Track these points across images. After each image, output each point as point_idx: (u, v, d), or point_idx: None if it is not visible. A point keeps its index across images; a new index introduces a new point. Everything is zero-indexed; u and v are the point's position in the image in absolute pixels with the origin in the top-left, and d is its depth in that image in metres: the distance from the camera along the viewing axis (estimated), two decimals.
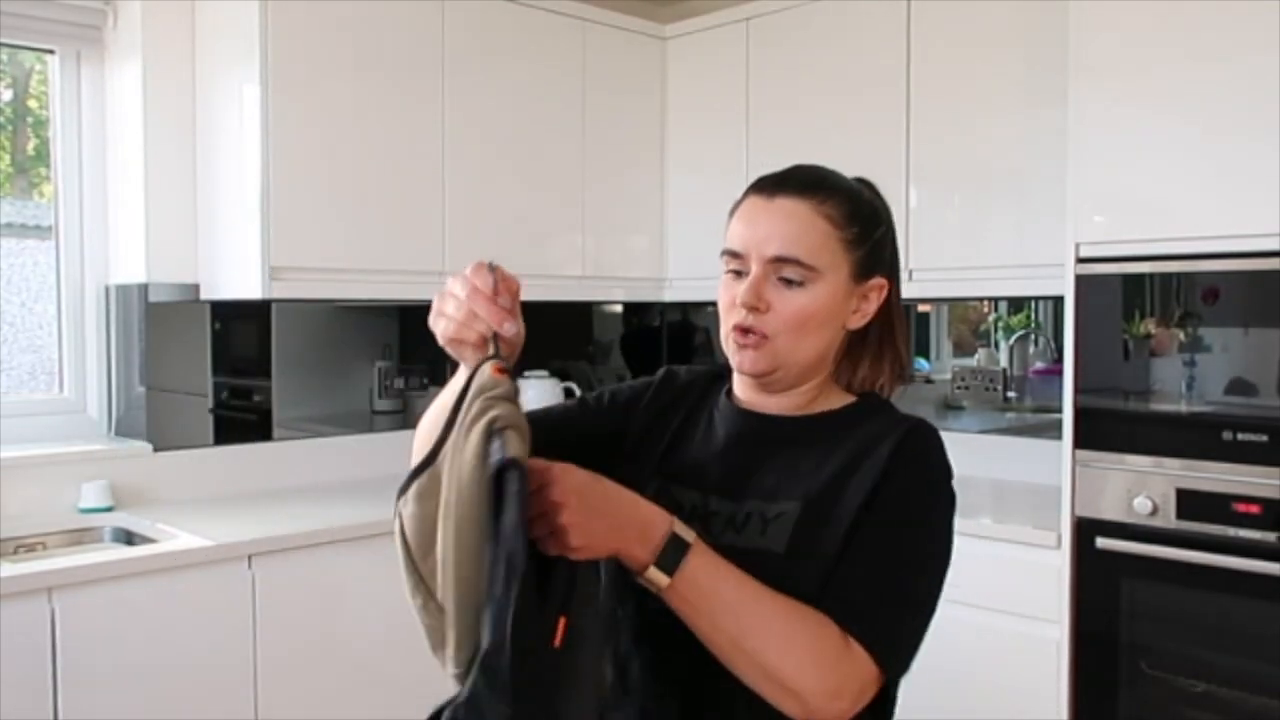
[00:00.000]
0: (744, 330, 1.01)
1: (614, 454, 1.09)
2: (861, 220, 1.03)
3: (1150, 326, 2.16)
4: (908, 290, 2.48)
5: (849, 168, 1.07)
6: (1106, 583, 2.19)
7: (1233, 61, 2.03)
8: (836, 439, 1.03)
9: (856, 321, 1.05)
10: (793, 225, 1.00)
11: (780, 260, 0.99)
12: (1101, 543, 2.18)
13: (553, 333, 3.48)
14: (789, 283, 1.00)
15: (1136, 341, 2.17)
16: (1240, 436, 2.02)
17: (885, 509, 0.96)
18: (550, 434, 1.03)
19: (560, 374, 3.27)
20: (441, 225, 2.81)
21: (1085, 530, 2.21)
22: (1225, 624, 2.09)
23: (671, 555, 0.88)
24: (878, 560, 0.95)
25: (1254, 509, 2.00)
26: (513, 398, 0.82)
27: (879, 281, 1.06)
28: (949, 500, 1.01)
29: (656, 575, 0.87)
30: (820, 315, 1.01)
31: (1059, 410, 2.32)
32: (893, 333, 1.09)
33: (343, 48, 2.60)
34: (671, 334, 3.76)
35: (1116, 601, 2.19)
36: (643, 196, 3.34)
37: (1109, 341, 2.21)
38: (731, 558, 0.92)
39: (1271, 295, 1.99)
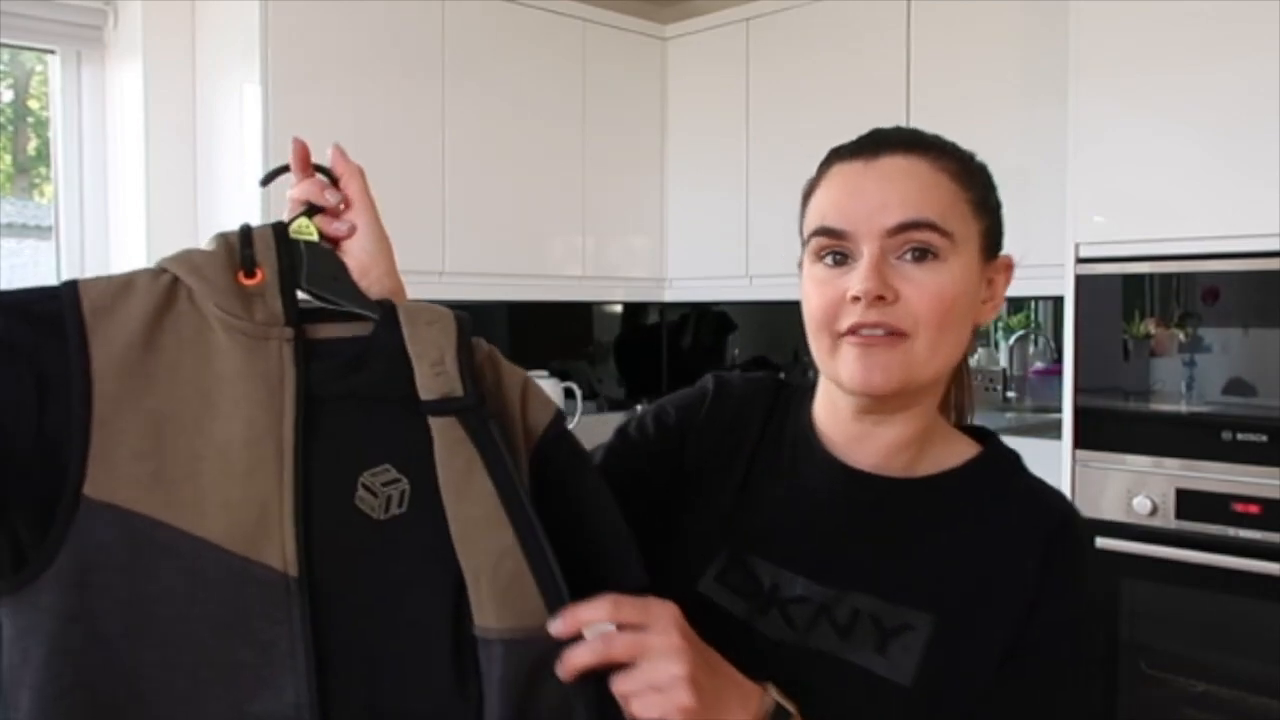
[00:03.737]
0: (871, 327, 0.76)
1: (668, 503, 0.87)
2: (983, 181, 0.82)
3: (1150, 326, 2.16)
4: None
5: None
6: (1106, 583, 2.19)
7: (1233, 62, 2.03)
8: (964, 517, 0.81)
9: (988, 314, 0.82)
10: (915, 184, 0.77)
11: (908, 228, 0.75)
12: (1101, 542, 2.18)
13: (553, 333, 3.48)
14: (920, 257, 0.76)
15: (1136, 341, 2.17)
16: (1240, 436, 2.02)
17: (1041, 649, 0.76)
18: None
19: (560, 374, 3.27)
20: (441, 225, 2.81)
21: None
22: (1225, 624, 2.09)
23: None
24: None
25: (1253, 509, 2.00)
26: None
27: (1006, 259, 0.84)
28: (1099, 614, 0.82)
29: None
30: (962, 301, 0.77)
31: (1058, 410, 2.32)
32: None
33: (343, 48, 2.60)
34: (671, 334, 3.76)
35: (1116, 601, 2.19)
36: (643, 196, 3.34)
37: (1109, 341, 2.21)
38: (836, 673, 0.75)
39: (1271, 295, 1.99)
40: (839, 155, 0.82)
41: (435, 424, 0.69)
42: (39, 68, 2.73)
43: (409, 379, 0.70)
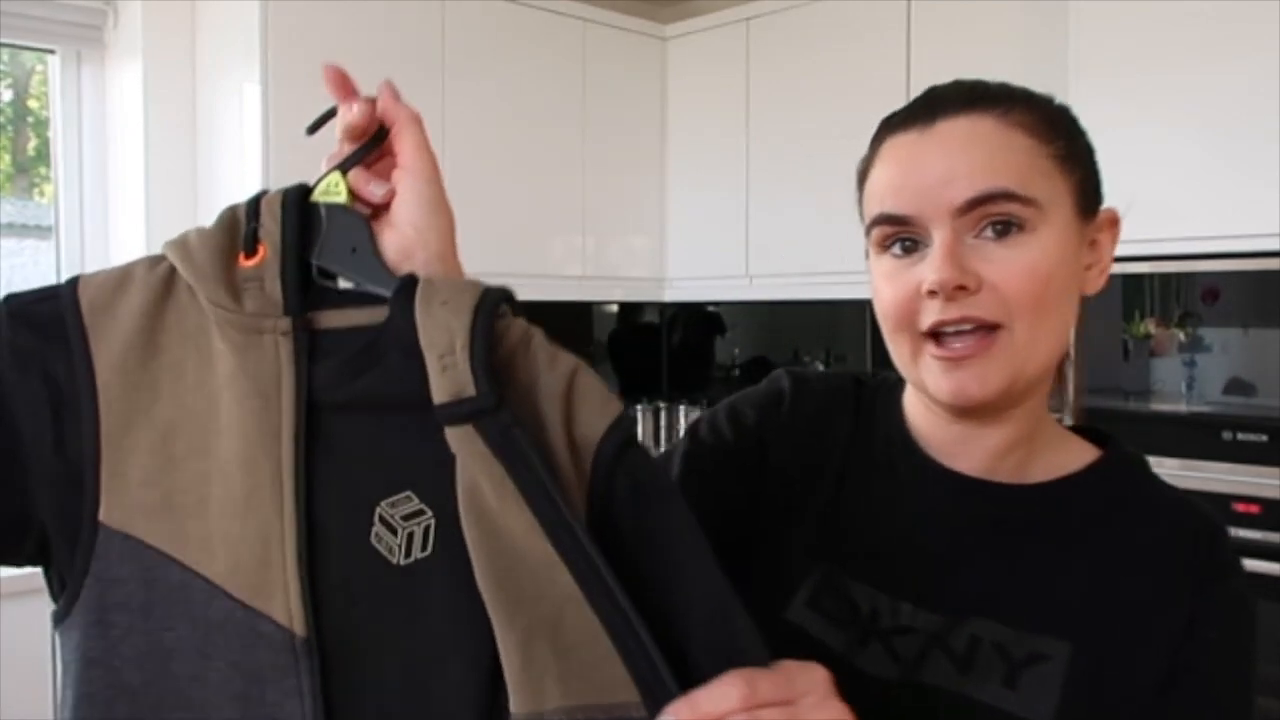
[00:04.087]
0: (956, 324, 0.64)
1: (749, 516, 0.75)
2: (1066, 128, 0.69)
3: (1150, 326, 2.16)
4: None
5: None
6: None
7: (1233, 62, 2.03)
8: (1094, 529, 0.70)
9: (1096, 282, 0.71)
10: (982, 149, 0.65)
11: (981, 202, 0.64)
12: None
13: (553, 332, 3.48)
14: (1003, 232, 0.64)
15: (1136, 341, 2.17)
16: (1240, 436, 2.02)
17: (1206, 674, 0.66)
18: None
19: None
20: None
21: None
22: None
23: None
24: None
25: (1254, 509, 2.00)
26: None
27: (1109, 213, 0.72)
28: (1256, 630, 0.70)
29: None
30: (1060, 275, 0.65)
31: (1058, 410, 2.32)
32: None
33: (343, 48, 2.60)
34: (669, 334, 3.76)
35: None
36: (643, 196, 3.34)
37: (1109, 342, 2.21)
38: (958, 712, 0.65)
39: (1271, 295, 1.99)
40: (890, 126, 0.70)
41: (452, 436, 0.53)
42: (39, 68, 2.73)
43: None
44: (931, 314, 0.65)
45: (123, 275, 0.58)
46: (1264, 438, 1.99)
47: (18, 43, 2.61)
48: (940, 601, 0.68)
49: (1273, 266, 1.98)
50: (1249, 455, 2.01)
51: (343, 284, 0.60)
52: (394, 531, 0.55)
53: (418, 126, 0.63)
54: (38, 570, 0.59)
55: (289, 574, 0.53)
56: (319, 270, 0.59)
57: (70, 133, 2.66)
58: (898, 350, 0.70)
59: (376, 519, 0.55)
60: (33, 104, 2.77)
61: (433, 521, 0.55)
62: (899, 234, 0.68)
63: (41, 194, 2.76)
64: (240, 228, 0.58)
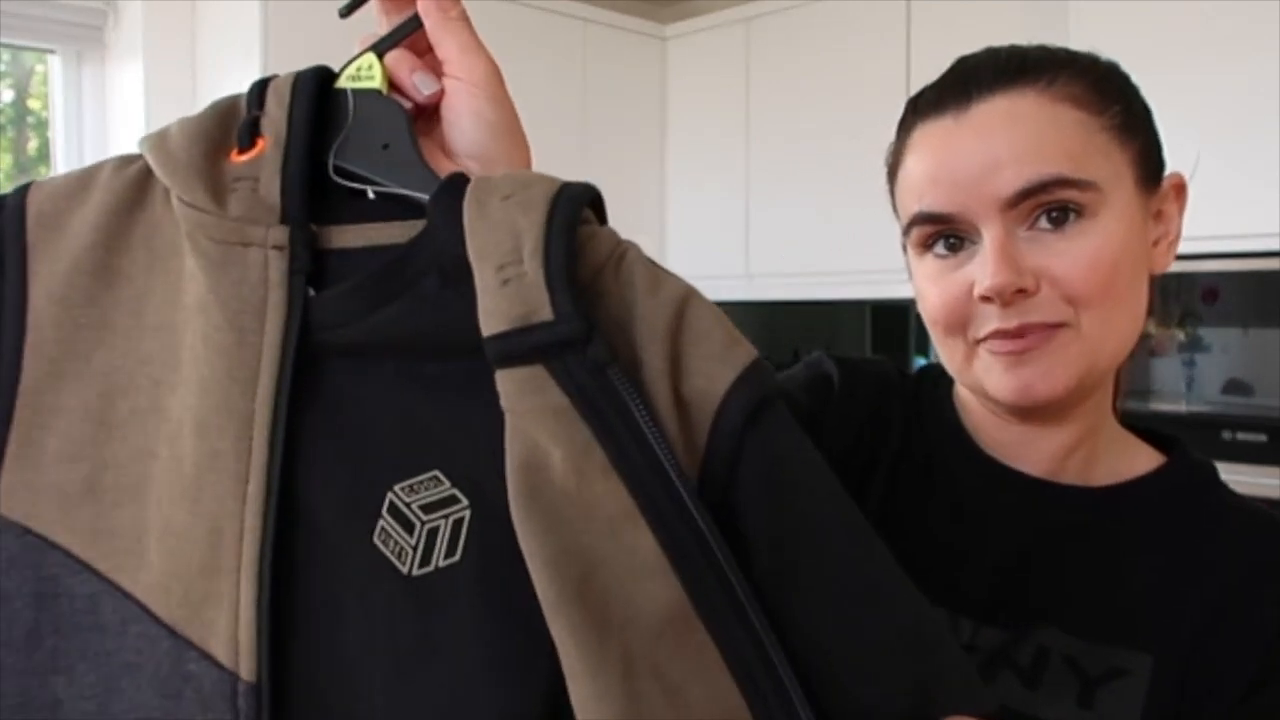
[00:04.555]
0: (1018, 334, 0.58)
1: None
2: (1118, 91, 0.63)
3: (1150, 326, 2.16)
4: (907, 289, 2.47)
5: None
6: None
7: (1233, 62, 2.03)
8: (1168, 536, 0.64)
9: (1165, 258, 0.67)
10: (1027, 130, 0.58)
11: (1033, 192, 0.57)
12: None
13: None
14: (1060, 219, 0.58)
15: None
16: (1240, 436, 2.02)
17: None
18: None
19: None
20: None
21: None
22: None
23: None
24: None
25: None
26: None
27: (1174, 179, 0.67)
28: None
29: None
30: (1126, 260, 0.60)
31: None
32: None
33: (343, 48, 2.60)
34: None
35: None
36: (643, 196, 3.34)
37: None
38: None
39: (1271, 295, 2.00)
40: (920, 111, 0.63)
41: (508, 383, 0.37)
42: (39, 68, 2.73)
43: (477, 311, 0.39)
44: (987, 323, 0.59)
45: (84, 178, 0.44)
46: (1263, 438, 1.99)
47: (18, 43, 2.61)
48: (1003, 613, 0.62)
49: (1272, 266, 1.98)
50: (1248, 455, 2.01)
51: (375, 195, 0.46)
52: (409, 527, 0.38)
53: (464, 24, 0.46)
54: None
55: (243, 586, 0.37)
56: (338, 171, 0.45)
57: (71, 133, 2.66)
58: (950, 356, 0.64)
59: (386, 509, 0.39)
60: (33, 104, 2.77)
61: (467, 513, 0.39)
62: (941, 232, 0.62)
63: None
64: (239, 117, 0.44)
